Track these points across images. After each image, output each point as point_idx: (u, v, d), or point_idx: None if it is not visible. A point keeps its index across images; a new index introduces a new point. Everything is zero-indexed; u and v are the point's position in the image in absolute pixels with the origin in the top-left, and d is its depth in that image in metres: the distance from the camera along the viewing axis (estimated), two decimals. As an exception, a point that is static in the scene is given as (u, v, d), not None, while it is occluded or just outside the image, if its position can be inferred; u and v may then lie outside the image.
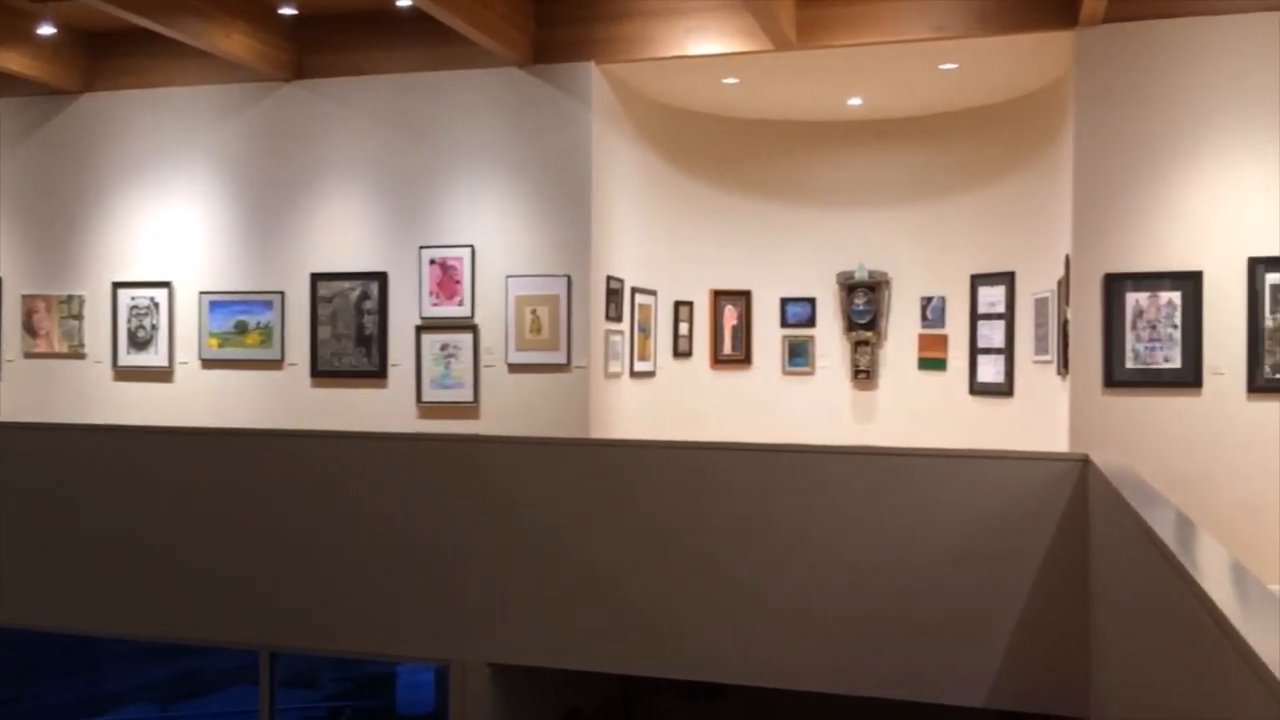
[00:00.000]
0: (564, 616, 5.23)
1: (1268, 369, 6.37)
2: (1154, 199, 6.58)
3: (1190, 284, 6.50)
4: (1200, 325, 6.49)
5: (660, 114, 8.86)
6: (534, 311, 7.68)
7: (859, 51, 7.23)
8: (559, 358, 7.62)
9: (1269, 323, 6.38)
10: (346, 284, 8.12)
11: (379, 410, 7.97)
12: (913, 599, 4.79)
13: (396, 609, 5.49)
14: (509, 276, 7.76)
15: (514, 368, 7.76)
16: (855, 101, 8.64)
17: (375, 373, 8.05)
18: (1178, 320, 6.53)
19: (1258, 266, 6.39)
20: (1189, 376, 6.50)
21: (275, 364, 8.30)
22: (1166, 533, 2.61)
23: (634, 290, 8.36)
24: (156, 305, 8.51)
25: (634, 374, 8.39)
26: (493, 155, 7.83)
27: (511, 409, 7.74)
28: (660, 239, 8.92)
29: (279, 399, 8.25)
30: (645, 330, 8.62)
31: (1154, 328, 6.57)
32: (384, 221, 8.08)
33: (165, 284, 8.53)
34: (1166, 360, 6.55)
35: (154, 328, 8.51)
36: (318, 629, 5.64)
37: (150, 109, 8.59)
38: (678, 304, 9.13)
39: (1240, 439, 6.41)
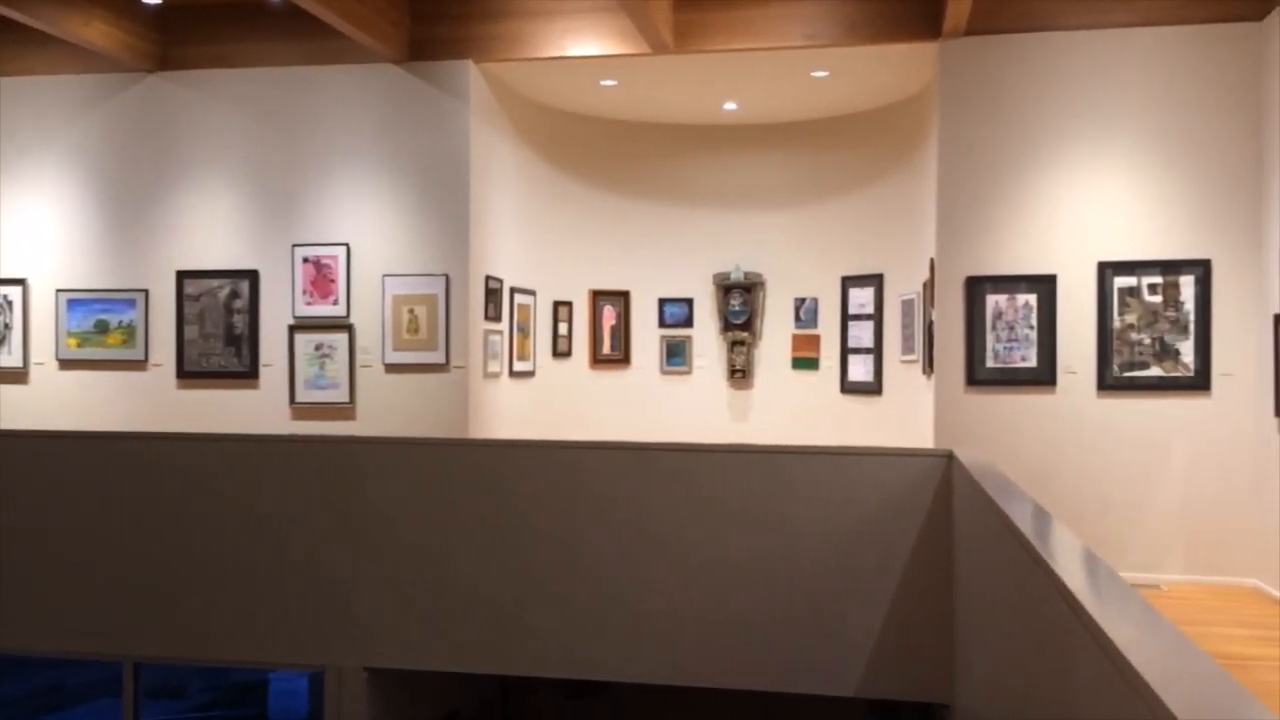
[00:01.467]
0: (441, 619, 5.19)
1: (1116, 368, 6.74)
2: (1012, 205, 6.89)
3: (1045, 287, 6.83)
4: (1054, 326, 6.82)
5: (540, 114, 8.85)
6: (411, 311, 7.59)
7: (734, 57, 7.36)
8: (437, 358, 7.55)
9: (1117, 324, 6.75)
10: (215, 282, 7.87)
11: (250, 412, 7.75)
12: (786, 594, 4.92)
13: (268, 615, 5.36)
14: (386, 275, 7.65)
15: (391, 368, 7.65)
16: (731, 106, 8.79)
17: (246, 373, 7.83)
18: (1034, 321, 6.85)
19: (1106, 270, 6.75)
20: (1044, 375, 6.83)
21: (138, 364, 7.99)
22: (1025, 524, 2.75)
23: (513, 290, 8.34)
24: (10, 303, 8.10)
25: (513, 374, 8.37)
26: (368, 152, 7.70)
27: (389, 410, 7.63)
28: (540, 239, 8.91)
29: (143, 401, 7.95)
30: (524, 330, 8.60)
31: (1012, 328, 6.88)
32: (255, 218, 7.86)
33: (19, 281, 8.12)
34: (1024, 360, 6.86)
35: (7, 327, 8.09)
36: (184, 638, 5.47)
37: (6, 98, 8.16)
38: (557, 304, 9.14)
39: (1091, 435, 6.76)
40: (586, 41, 7.39)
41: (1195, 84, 6.65)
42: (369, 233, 7.70)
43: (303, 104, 7.79)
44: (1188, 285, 6.65)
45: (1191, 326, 6.65)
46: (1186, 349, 6.66)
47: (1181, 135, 6.67)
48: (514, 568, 5.15)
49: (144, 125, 8.00)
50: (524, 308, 8.58)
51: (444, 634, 5.20)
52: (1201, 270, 6.63)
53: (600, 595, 5.06)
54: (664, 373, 9.51)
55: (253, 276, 7.83)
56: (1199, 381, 6.63)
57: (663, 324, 9.52)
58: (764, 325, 9.40)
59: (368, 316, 7.70)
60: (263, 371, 7.82)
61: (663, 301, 9.50)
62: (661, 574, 5.02)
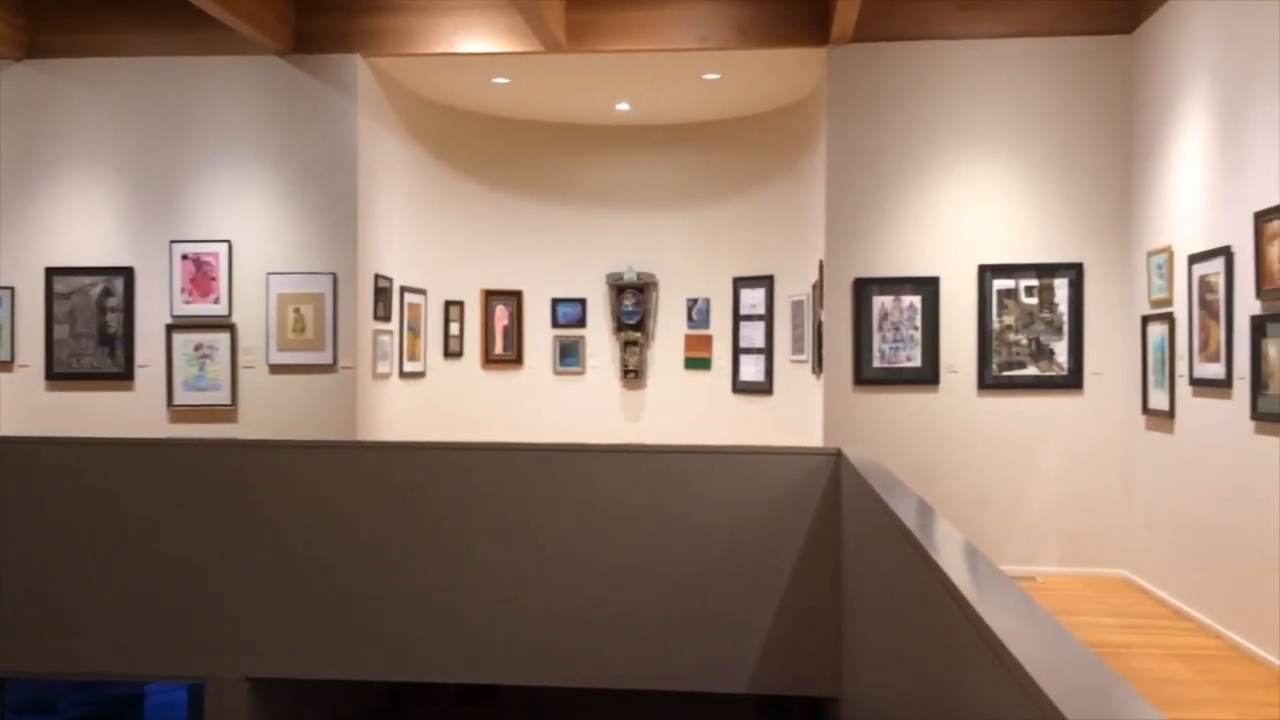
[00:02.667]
0: (325, 625, 5.07)
1: (995, 368, 6.96)
2: (898, 208, 7.06)
3: (929, 289, 7.01)
4: (937, 327, 7.01)
5: (431, 111, 8.73)
6: (297, 310, 7.39)
7: (627, 57, 7.37)
8: (324, 358, 7.37)
9: (996, 325, 6.97)
10: (87, 279, 7.54)
11: (125, 414, 7.45)
12: (677, 593, 4.94)
13: (144, 625, 5.15)
14: (270, 274, 7.43)
15: (276, 368, 7.44)
16: (624, 106, 8.80)
17: (120, 374, 7.52)
18: (918, 322, 7.03)
19: (986, 273, 6.97)
20: (928, 374, 7.01)
21: (3, 365, 7.61)
22: (909, 519, 2.81)
23: (403, 289, 8.20)
24: None
25: (403, 374, 8.22)
26: (252, 147, 7.47)
27: (273, 411, 7.42)
28: (431, 238, 8.78)
29: (8, 403, 7.56)
30: (415, 330, 8.46)
31: (898, 329, 7.05)
32: (130, 213, 7.55)
33: None
34: (909, 359, 7.04)
35: None
36: (54, 651, 5.22)
37: None
38: (448, 303, 9.01)
39: (972, 432, 6.97)
40: (478, 38, 7.31)
41: (1069, 93, 6.91)
42: (252, 229, 7.47)
43: (182, 96, 7.52)
44: (1061, 288, 6.91)
45: (1065, 327, 6.91)
46: (1061, 349, 6.91)
47: (1056, 142, 6.92)
48: (403, 572, 5.06)
49: (10, 115, 7.62)
50: (414, 307, 8.44)
51: (330, 641, 5.07)
52: (1074, 273, 6.89)
53: (491, 598, 5.01)
54: (557, 373, 9.47)
55: (128, 274, 7.52)
56: (1072, 380, 6.89)
57: (556, 324, 9.48)
58: (657, 325, 9.43)
59: (251, 316, 7.47)
60: (138, 373, 7.53)
61: (556, 301, 9.46)
62: (553, 575, 4.99)
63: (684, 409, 9.26)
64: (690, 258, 9.35)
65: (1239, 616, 5.23)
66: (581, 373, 9.47)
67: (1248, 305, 5.11)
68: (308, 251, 7.42)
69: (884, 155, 7.06)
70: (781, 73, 7.79)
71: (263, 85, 7.47)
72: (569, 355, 9.46)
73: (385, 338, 7.82)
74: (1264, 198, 4.94)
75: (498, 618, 5.00)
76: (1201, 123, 5.73)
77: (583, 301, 9.46)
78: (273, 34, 7.15)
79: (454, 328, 9.09)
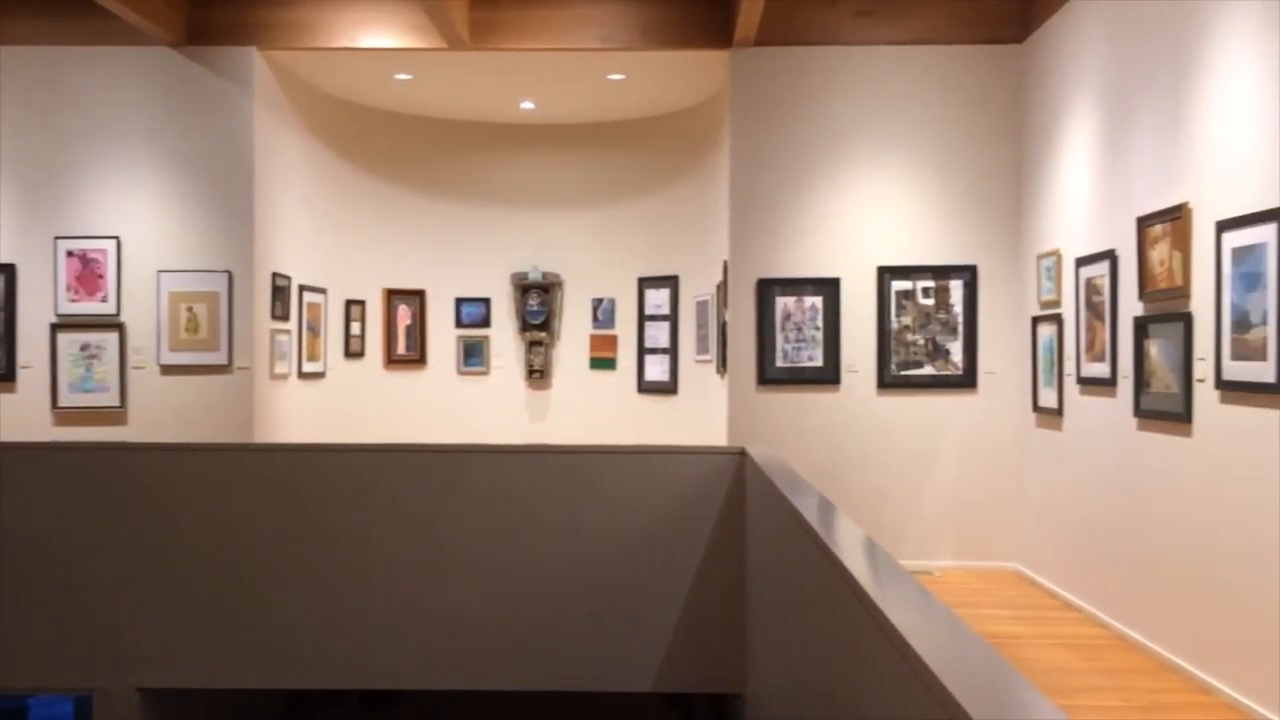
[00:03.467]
0: (219, 632, 4.92)
1: (893, 367, 7.12)
2: (800, 210, 7.16)
3: (830, 289, 7.14)
4: (838, 327, 7.14)
5: (331, 107, 8.56)
6: (190, 309, 7.17)
7: (531, 56, 7.34)
8: (219, 358, 7.16)
9: (894, 325, 7.12)
10: (-36, 276, 7.20)
11: (6, 416, 7.14)
12: (583, 593, 4.93)
13: (26, 634, 4.94)
14: (161, 271, 7.20)
15: (168, 369, 7.21)
16: (529, 105, 8.76)
17: (1, 375, 7.20)
18: (820, 323, 7.14)
19: (885, 275, 7.12)
20: (829, 374, 7.13)
21: (-128, 367, 7.22)
22: (812, 516, 2.84)
23: (302, 288, 8.02)
24: None
25: (302, 375, 8.05)
26: (142, 141, 7.23)
27: (165, 413, 7.18)
28: (331, 236, 8.61)
29: (-123, 407, 7.18)
30: (314, 330, 8.29)
31: (800, 329, 7.15)
32: (11, 208, 7.23)
33: None
34: (811, 359, 7.15)
35: None
36: (-71, 666, 4.97)
37: None
38: (349, 303, 8.85)
39: (872, 430, 7.11)
40: (380, 33, 7.19)
41: (964, 100, 7.10)
42: (142, 226, 7.23)
43: (68, 86, 7.24)
44: (957, 289, 7.10)
45: (960, 328, 7.10)
46: (956, 349, 7.10)
47: (952, 148, 7.11)
48: (300, 577, 4.95)
49: (-121, 102, 7.24)
50: (314, 306, 8.27)
51: (223, 649, 4.93)
52: (969, 275, 7.08)
53: (392, 602, 4.93)
54: (461, 373, 9.38)
55: (8, 271, 7.21)
56: (967, 380, 7.09)
57: (460, 324, 9.39)
58: (562, 325, 9.41)
59: (141, 315, 7.23)
60: (20, 374, 7.22)
61: (460, 301, 9.37)
62: (456, 577, 4.93)
63: (589, 409, 9.26)
64: (595, 257, 9.35)
65: (1123, 607, 5.44)
66: (486, 373, 9.39)
67: (1131, 307, 5.31)
68: (201, 249, 7.20)
69: (786, 158, 7.16)
70: (686, 74, 7.84)
71: (154, 77, 7.23)
72: (473, 355, 9.38)
73: (283, 337, 7.65)
74: (1146, 203, 5.15)
75: (399, 622, 4.92)
76: (1087, 130, 5.95)
77: (487, 301, 9.39)
78: (164, 24, 6.93)
79: (355, 327, 8.93)
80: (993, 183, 7.10)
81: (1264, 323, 4.09)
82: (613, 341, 9.33)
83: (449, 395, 9.31)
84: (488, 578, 4.93)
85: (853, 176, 7.16)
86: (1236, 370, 4.30)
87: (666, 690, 5.07)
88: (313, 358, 8.24)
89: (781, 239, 7.16)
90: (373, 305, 9.12)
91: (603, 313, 9.36)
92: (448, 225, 9.34)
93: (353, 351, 8.89)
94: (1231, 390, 4.36)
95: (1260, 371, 4.12)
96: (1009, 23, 7.05)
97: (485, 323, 9.40)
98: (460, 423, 9.10)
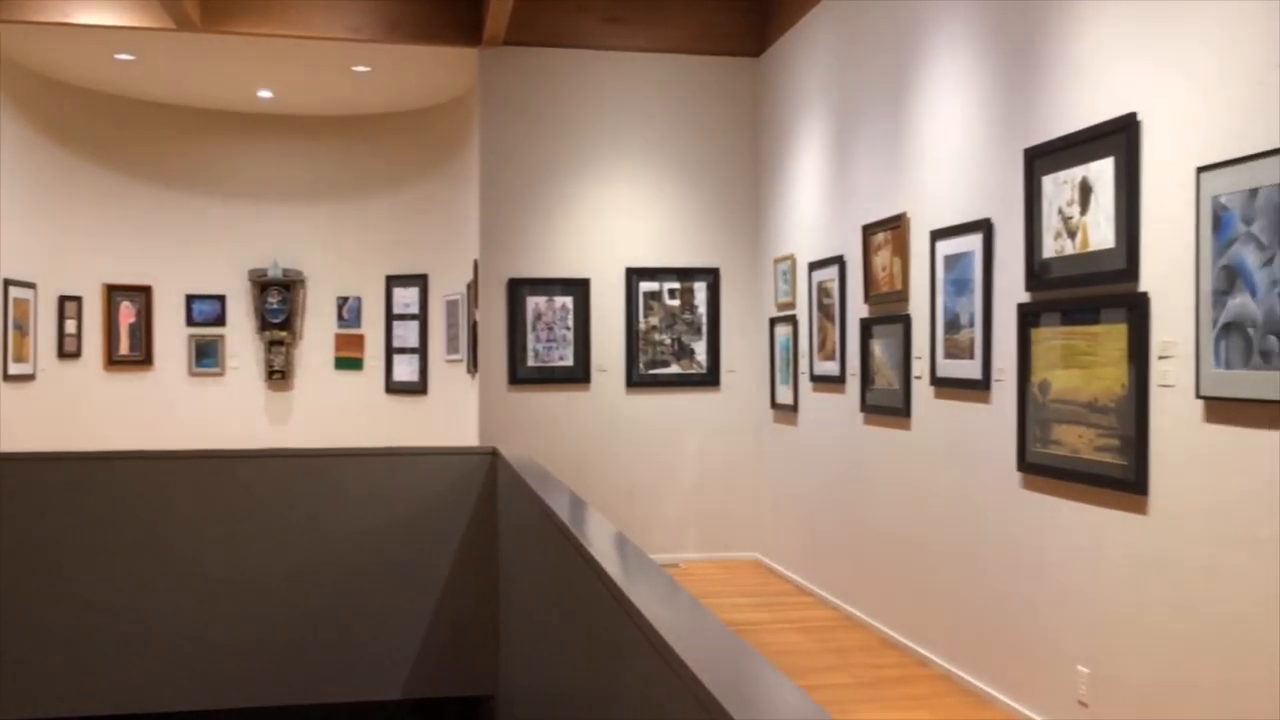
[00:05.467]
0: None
1: (641, 366, 7.30)
2: (550, 211, 7.21)
3: (580, 290, 7.23)
4: (588, 327, 7.24)
5: (43, 86, 7.85)
6: None
7: (269, 42, 7.01)
8: (-94, 360, 6.42)
9: (642, 326, 7.31)
10: None
11: None
12: (331, 601, 4.76)
13: None
14: None
15: None
16: (266, 94, 8.36)
17: None
18: (570, 323, 7.23)
19: (633, 276, 7.29)
20: (580, 373, 7.23)
21: None
22: (563, 513, 2.88)
23: (8, 282, 7.30)
24: None
25: (8, 377, 7.33)
26: None
27: None
28: (42, 226, 7.89)
29: None
30: (22, 328, 7.57)
31: (551, 329, 7.21)
32: None
33: None
34: (561, 359, 7.22)
35: None
36: None
37: None
38: (63, 299, 8.15)
39: (621, 428, 7.26)
40: (98, 9, 6.65)
41: (708, 109, 7.37)
42: None
43: None
44: (700, 291, 7.36)
45: (704, 328, 7.37)
46: (700, 349, 7.36)
47: (697, 154, 7.36)
48: (6, 599, 4.51)
49: None
50: (21, 303, 7.55)
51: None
52: (712, 278, 7.36)
53: (117, 621, 4.58)
54: (193, 374, 8.84)
55: None
56: (710, 378, 7.36)
57: (191, 322, 8.85)
58: (305, 324, 9.05)
59: None
60: None
61: (191, 298, 8.83)
62: (189, 592, 4.64)
63: (335, 411, 8.95)
64: (341, 255, 9.05)
65: (849, 590, 5.82)
66: (221, 374, 8.90)
67: (858, 309, 5.69)
68: (-115, 237, 6.43)
69: (537, 158, 7.19)
70: (435, 70, 7.72)
71: None
72: (206, 355, 8.86)
73: (-14, 337, 6.94)
74: (870, 212, 5.53)
75: (126, 642, 4.58)
76: (818, 142, 6.32)
77: (222, 298, 8.90)
78: None
79: (70, 325, 8.23)
80: (734, 189, 7.41)
81: (972, 324, 4.48)
82: (359, 341, 9.07)
83: (179, 398, 8.75)
84: (225, 590, 4.67)
85: (603, 179, 7.28)
86: (949, 368, 4.70)
87: (415, 697, 4.98)
88: (20, 358, 7.53)
89: (532, 239, 7.19)
90: (91, 302, 8.44)
91: (348, 311, 9.08)
92: (179, 218, 8.78)
93: (67, 352, 8.20)
94: (944, 386, 4.75)
95: (969, 369, 4.51)
96: (748, 37, 7.38)
97: (220, 321, 8.90)
98: (193, 427, 8.57)
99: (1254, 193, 2.92)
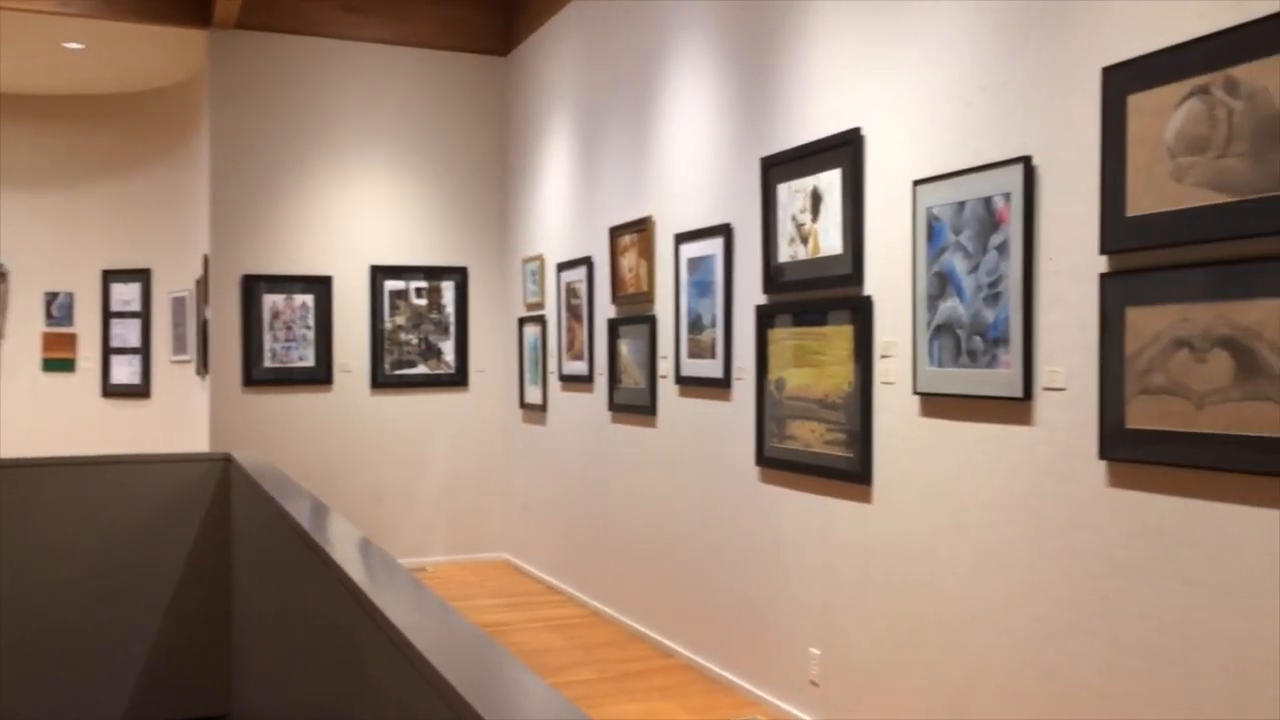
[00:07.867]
0: None
1: (387, 367, 7.12)
2: (289, 204, 6.91)
3: (321, 288, 6.97)
4: (331, 326, 6.99)
5: None
6: None
7: (-34, 10, 6.34)
8: None
9: (388, 325, 7.13)
10: None
11: None
12: (40, 625, 4.36)
13: None
14: None
15: None
16: (-39, 66, 7.56)
17: None
18: (311, 322, 6.95)
19: (378, 274, 7.10)
20: (321, 374, 6.96)
21: None
22: (304, 519, 2.76)
23: None
24: None
25: None
26: None
27: None
28: None
29: None
30: None
31: (290, 328, 6.90)
32: None
33: None
34: (302, 359, 6.93)
35: None
36: None
37: None
38: None
39: (366, 430, 7.06)
40: None
41: (454, 106, 7.28)
42: None
43: None
44: (449, 290, 7.27)
45: (452, 328, 7.28)
46: (448, 348, 7.26)
47: (443, 151, 7.26)
48: None
49: None
50: None
51: None
52: (460, 277, 7.28)
53: None
54: None
55: None
56: (459, 378, 7.28)
57: None
58: (7, 322, 8.24)
59: None
60: None
61: None
62: None
63: (43, 416, 8.19)
64: (50, 246, 8.30)
65: (596, 586, 5.91)
66: (-95, 377, 7.96)
67: (605, 309, 5.79)
68: None
69: (273, 149, 6.86)
70: (159, 51, 7.22)
71: None
72: (-113, 357, 7.90)
73: None
74: (617, 215, 5.63)
75: None
76: (566, 144, 6.38)
77: (-94, 293, 7.96)
78: None
79: None
80: (482, 187, 7.36)
81: (714, 325, 4.66)
82: (71, 340, 8.35)
83: None
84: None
85: (345, 174, 7.04)
86: (692, 367, 4.85)
87: (141, 721, 4.64)
88: None
89: (269, 234, 6.86)
90: None
91: (58, 308, 8.34)
92: None
93: None
94: (688, 385, 4.90)
95: (711, 368, 4.68)
96: (493, 35, 7.35)
97: (-96, 318, 7.97)
98: None
99: (962, 205, 3.19)
